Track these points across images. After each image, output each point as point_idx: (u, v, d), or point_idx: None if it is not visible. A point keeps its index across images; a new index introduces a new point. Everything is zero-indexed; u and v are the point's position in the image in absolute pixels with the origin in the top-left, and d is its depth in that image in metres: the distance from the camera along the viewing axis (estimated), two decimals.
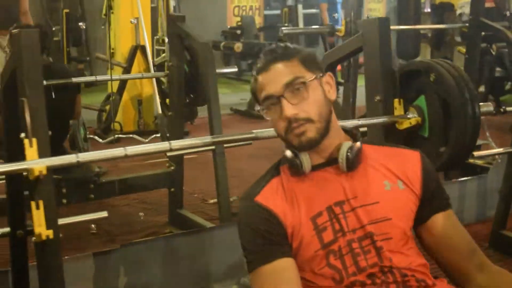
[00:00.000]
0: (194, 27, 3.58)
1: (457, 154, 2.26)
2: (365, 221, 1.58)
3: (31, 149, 1.72)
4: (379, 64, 2.31)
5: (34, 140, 1.73)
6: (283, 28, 4.48)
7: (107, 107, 6.26)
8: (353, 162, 1.60)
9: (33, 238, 1.79)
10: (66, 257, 2.82)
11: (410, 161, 1.68)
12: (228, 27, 10.36)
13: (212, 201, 4.33)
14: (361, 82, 4.82)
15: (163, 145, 1.89)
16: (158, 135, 5.80)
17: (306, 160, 1.60)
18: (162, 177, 3.77)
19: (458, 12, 7.10)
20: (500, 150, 3.26)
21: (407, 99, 2.34)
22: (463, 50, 5.01)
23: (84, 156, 1.79)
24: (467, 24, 5.03)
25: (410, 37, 5.55)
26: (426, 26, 5.93)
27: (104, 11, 6.54)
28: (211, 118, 3.39)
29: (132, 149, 1.83)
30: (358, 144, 1.62)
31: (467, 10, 6.67)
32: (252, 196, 1.63)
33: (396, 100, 2.32)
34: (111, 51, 6.52)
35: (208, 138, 1.95)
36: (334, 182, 1.62)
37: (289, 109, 1.55)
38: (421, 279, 1.55)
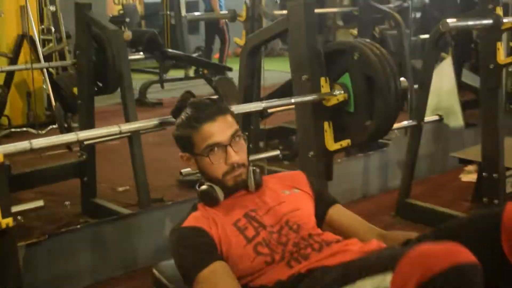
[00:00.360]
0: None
1: (382, 126, 2.42)
2: (279, 214, 1.89)
3: None
4: (305, 44, 2.42)
5: None
6: (187, 14, 4.46)
7: None
8: (259, 182, 1.94)
9: None
10: None
11: (297, 176, 2.10)
12: (110, 15, 10.18)
13: (121, 189, 4.32)
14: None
15: (113, 129, 1.90)
16: (53, 126, 5.66)
17: (219, 189, 1.89)
18: (75, 167, 3.72)
19: None
20: (406, 123, 3.48)
21: (332, 77, 2.47)
22: (355, 32, 5.26)
23: (37, 143, 1.77)
24: (357, 8, 5.29)
25: None
26: (322, 10, 6.11)
27: None
28: (126, 105, 3.40)
29: (83, 134, 1.84)
30: (256, 169, 1.95)
31: None
32: (177, 227, 1.87)
33: (322, 79, 2.44)
34: None
35: (155, 121, 1.98)
36: (245, 199, 1.92)
37: (234, 157, 1.85)
38: (337, 237, 1.85)
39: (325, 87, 2.44)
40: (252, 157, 2.97)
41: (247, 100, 2.66)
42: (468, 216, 1.79)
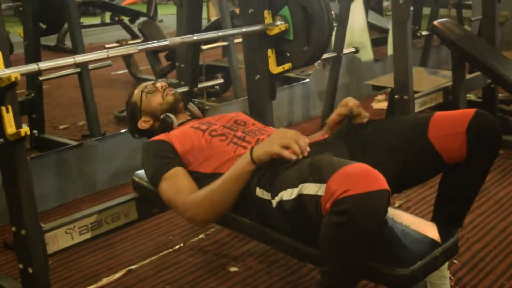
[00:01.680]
0: None
1: (318, 51, 2.82)
2: (226, 119, 2.35)
3: None
4: None
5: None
6: None
7: None
8: (203, 108, 2.53)
9: (1, 140, 2.04)
10: None
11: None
12: None
13: (62, 126, 4.58)
14: None
15: (102, 53, 2.21)
16: None
17: (172, 115, 2.40)
18: (24, 104, 3.91)
19: None
20: (328, 54, 3.91)
21: (274, 10, 2.84)
22: None
23: (43, 65, 2.06)
24: None
25: None
26: None
27: None
28: (75, 43, 3.66)
29: (79, 58, 2.15)
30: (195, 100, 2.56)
31: None
32: (145, 141, 2.31)
33: (266, 11, 2.80)
34: None
35: (134, 46, 2.30)
36: (196, 121, 2.40)
37: (160, 83, 2.48)
38: None
39: (268, 19, 2.81)
40: (201, 85, 3.35)
41: (198, 32, 2.99)
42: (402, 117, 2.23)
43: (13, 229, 2.16)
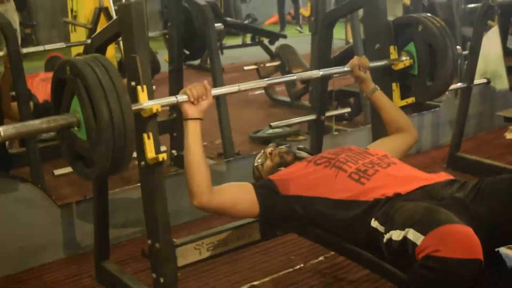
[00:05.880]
0: None
1: (442, 86, 2.91)
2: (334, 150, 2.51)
3: (143, 93, 2.22)
4: (378, 19, 2.91)
5: (144, 87, 2.23)
6: None
7: None
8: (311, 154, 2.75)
9: (142, 163, 2.30)
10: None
11: None
12: None
13: None
14: None
15: (233, 88, 2.43)
16: None
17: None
18: (166, 124, 4.23)
19: None
20: (458, 85, 3.94)
21: (399, 46, 2.95)
22: (407, 2, 5.66)
23: (181, 98, 2.30)
24: None
25: None
26: None
27: None
28: (214, 70, 3.93)
29: (215, 91, 2.37)
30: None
31: None
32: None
33: (391, 47, 2.93)
34: (74, 14, 6.83)
35: (266, 80, 2.50)
36: None
37: (268, 149, 2.76)
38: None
39: (393, 54, 2.93)
40: (328, 113, 3.49)
41: (327, 64, 3.13)
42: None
43: (149, 242, 2.41)
